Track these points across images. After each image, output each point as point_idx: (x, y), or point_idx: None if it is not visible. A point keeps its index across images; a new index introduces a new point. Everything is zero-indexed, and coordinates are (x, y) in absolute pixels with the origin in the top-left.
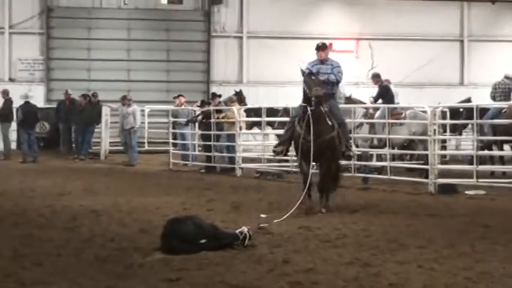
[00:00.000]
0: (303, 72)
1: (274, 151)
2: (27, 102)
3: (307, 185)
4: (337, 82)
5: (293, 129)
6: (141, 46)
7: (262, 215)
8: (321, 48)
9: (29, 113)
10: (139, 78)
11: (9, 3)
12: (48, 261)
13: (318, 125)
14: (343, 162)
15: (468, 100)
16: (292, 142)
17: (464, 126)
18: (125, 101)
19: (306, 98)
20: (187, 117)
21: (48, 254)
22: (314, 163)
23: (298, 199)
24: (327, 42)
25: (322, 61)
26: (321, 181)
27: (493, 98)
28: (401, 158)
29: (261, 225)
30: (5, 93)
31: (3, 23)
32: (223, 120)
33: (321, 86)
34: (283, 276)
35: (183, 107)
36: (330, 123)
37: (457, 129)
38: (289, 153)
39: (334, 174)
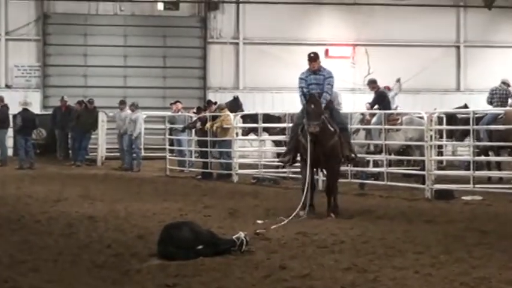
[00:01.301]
0: (304, 96)
1: (281, 161)
2: (25, 109)
3: (306, 192)
4: (329, 95)
5: (297, 138)
6: (138, 52)
7: (259, 221)
8: (313, 58)
9: (28, 120)
10: (135, 85)
11: (5, 9)
12: (45, 268)
13: (320, 132)
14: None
15: (465, 107)
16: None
17: (465, 134)
18: (122, 105)
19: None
20: (184, 123)
21: (45, 260)
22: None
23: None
24: (323, 48)
25: (315, 71)
26: (328, 186)
27: (490, 103)
28: (398, 164)
29: (258, 230)
30: (1, 100)
31: (0, 30)
32: (215, 126)
33: (319, 118)
34: (280, 282)
35: (179, 113)
36: (332, 129)
37: (453, 135)
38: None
39: (336, 175)
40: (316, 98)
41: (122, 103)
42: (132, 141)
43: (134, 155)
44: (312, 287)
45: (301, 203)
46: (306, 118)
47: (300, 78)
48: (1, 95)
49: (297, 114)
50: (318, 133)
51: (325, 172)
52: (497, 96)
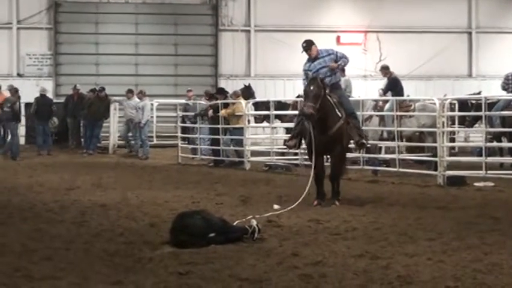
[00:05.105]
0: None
1: (286, 145)
2: (43, 96)
3: (311, 179)
4: (348, 61)
5: (303, 122)
6: (149, 40)
7: (276, 206)
8: (307, 48)
9: (44, 106)
10: (147, 73)
11: None
12: (57, 256)
13: (326, 118)
14: (353, 154)
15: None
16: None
17: (475, 120)
18: (129, 94)
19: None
20: (196, 111)
21: (57, 248)
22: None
23: (304, 192)
24: (334, 35)
25: (314, 59)
26: (332, 172)
27: (505, 89)
28: (411, 150)
29: (275, 206)
30: (14, 90)
31: (11, 18)
32: (224, 112)
33: (315, 100)
34: (292, 269)
35: (192, 101)
36: (339, 114)
37: (465, 122)
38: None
39: (341, 161)
40: (317, 81)
41: (130, 91)
42: (136, 128)
43: (141, 142)
44: (324, 274)
45: (305, 193)
46: (303, 99)
47: (304, 71)
48: (12, 84)
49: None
50: (322, 117)
51: (332, 158)
52: None
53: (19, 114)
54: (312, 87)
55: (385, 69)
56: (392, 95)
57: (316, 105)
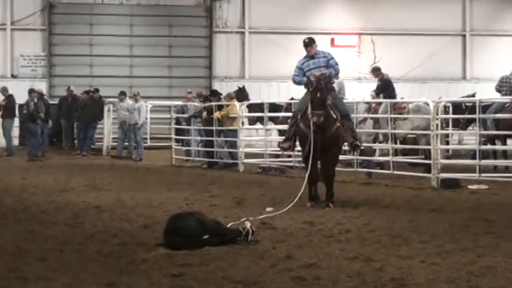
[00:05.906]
0: (309, 83)
1: (281, 147)
2: (42, 96)
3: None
4: (337, 74)
5: (297, 124)
6: (143, 42)
7: (269, 209)
8: (309, 44)
9: (47, 107)
10: (141, 74)
11: None
12: (51, 257)
13: (323, 119)
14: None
15: (473, 96)
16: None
17: (469, 122)
18: (122, 96)
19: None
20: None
21: (51, 249)
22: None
23: (298, 193)
24: (329, 37)
25: (312, 56)
26: (326, 173)
27: (499, 91)
28: (405, 152)
29: (268, 209)
30: (5, 90)
31: (5, 19)
32: (218, 114)
33: (323, 107)
34: (286, 272)
35: (190, 102)
36: (334, 116)
37: (459, 124)
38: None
39: (335, 163)
40: (322, 86)
41: (122, 93)
42: (130, 129)
43: (135, 144)
44: (318, 277)
45: (299, 195)
46: (310, 106)
47: (297, 67)
48: (5, 86)
49: (299, 101)
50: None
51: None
52: (507, 85)
53: (33, 114)
54: (318, 95)
55: (376, 71)
56: (384, 97)
57: (324, 112)
